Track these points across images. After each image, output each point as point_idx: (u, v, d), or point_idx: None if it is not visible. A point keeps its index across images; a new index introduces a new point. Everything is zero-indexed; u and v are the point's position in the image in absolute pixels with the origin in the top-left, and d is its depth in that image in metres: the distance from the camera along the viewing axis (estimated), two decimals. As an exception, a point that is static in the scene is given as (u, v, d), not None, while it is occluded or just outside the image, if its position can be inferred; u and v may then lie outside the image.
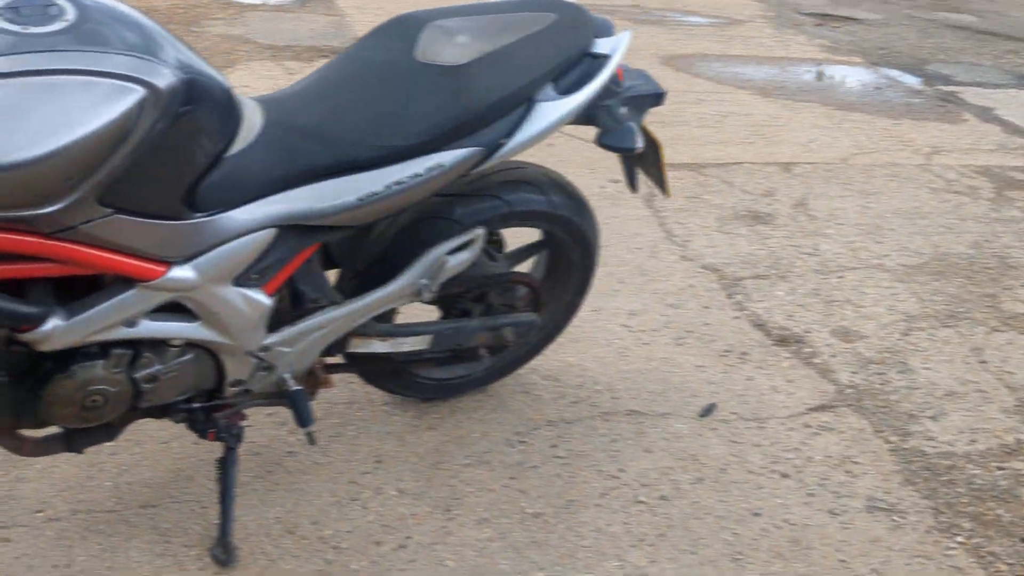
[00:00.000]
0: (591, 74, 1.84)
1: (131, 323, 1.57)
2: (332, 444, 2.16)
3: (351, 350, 1.94)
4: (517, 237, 2.22)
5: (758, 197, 3.73)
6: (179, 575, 1.79)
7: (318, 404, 2.27)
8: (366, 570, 1.84)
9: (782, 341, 2.70)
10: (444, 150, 1.71)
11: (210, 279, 1.60)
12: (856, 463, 2.22)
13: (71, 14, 1.35)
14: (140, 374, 1.64)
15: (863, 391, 2.49)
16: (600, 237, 2.21)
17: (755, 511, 2.05)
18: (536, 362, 2.48)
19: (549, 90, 1.80)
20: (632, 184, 2.22)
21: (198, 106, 1.45)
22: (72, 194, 1.35)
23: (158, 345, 1.65)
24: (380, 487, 2.05)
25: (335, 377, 2.14)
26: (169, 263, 1.55)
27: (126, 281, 1.54)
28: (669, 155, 4.02)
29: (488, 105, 1.72)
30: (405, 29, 1.78)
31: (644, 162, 2.14)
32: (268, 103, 1.67)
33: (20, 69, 1.28)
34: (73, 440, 1.78)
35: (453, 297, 2.08)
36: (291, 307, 1.80)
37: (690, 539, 1.96)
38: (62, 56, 1.31)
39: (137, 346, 1.63)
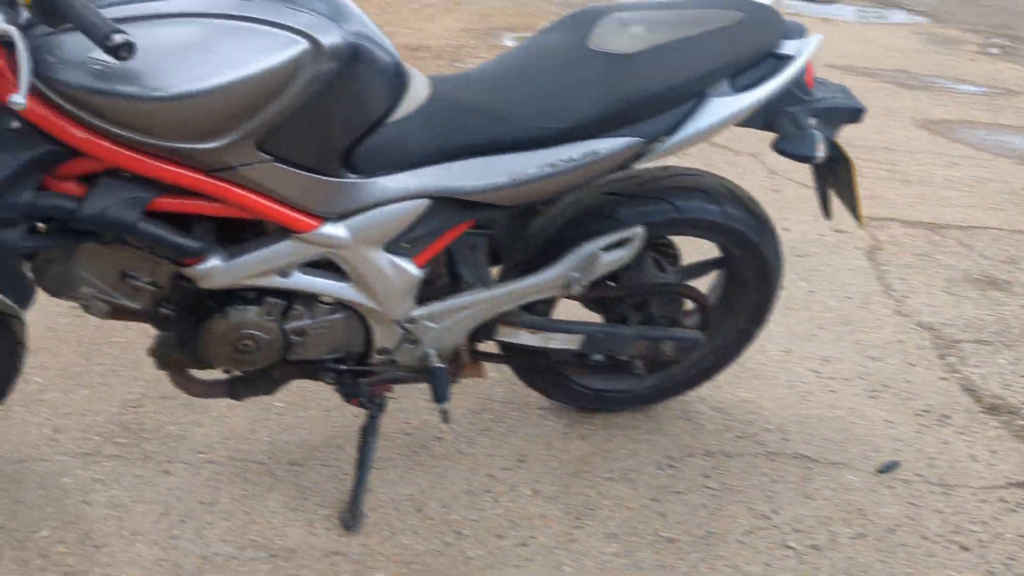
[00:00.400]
0: (772, 74, 1.73)
1: (285, 273, 1.65)
2: (479, 437, 2.15)
3: (499, 337, 1.92)
4: (695, 253, 2.13)
5: (998, 263, 3.36)
6: (305, 530, 1.84)
7: (474, 397, 2.28)
8: (482, 559, 1.81)
9: (993, 409, 2.40)
10: (601, 137, 1.67)
11: (361, 240, 1.65)
12: (1057, 551, 1.91)
13: None
14: (290, 325, 1.72)
15: (1084, 476, 2.16)
16: (783, 263, 2.07)
17: (920, 579, 1.81)
18: (704, 391, 2.36)
19: (724, 86, 1.72)
20: (825, 209, 2.08)
21: (360, 69, 1.51)
22: (232, 133, 1.44)
23: (309, 300, 1.72)
24: (516, 485, 2.01)
25: (489, 368, 2.14)
26: (323, 219, 1.61)
27: (283, 231, 1.62)
28: (908, 212, 3.76)
29: (652, 95, 1.66)
30: (584, 19, 1.77)
31: (837, 182, 1.99)
32: (438, 80, 1.71)
33: (208, 11, 1.40)
34: (235, 388, 1.88)
35: (612, 301, 2.02)
36: (441, 283, 1.82)
37: (836, 594, 1.77)
38: (247, 5, 1.41)
39: (290, 298, 1.71)
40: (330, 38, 1.45)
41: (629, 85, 1.66)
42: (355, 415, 2.17)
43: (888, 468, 2.13)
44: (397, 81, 1.59)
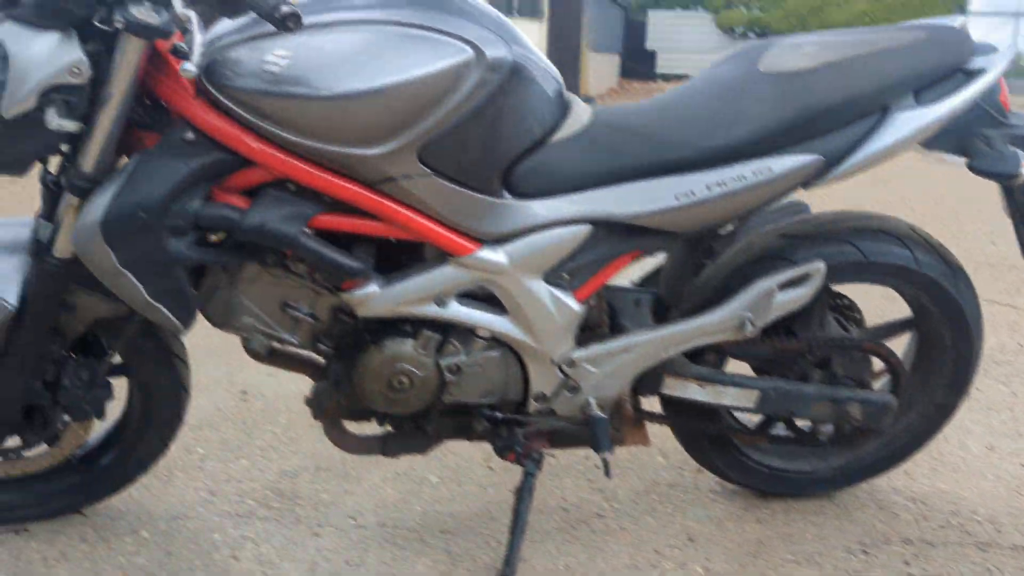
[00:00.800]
0: (961, 88, 1.61)
1: (442, 302, 1.60)
2: (644, 517, 1.98)
3: (665, 390, 1.79)
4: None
5: None
6: (454, 593, 1.70)
7: (639, 479, 2.12)
8: (647, 632, 1.61)
9: None
10: (775, 154, 1.58)
11: (520, 267, 1.59)
12: None
13: None
14: (446, 361, 1.65)
15: None
16: (982, 322, 1.86)
17: None
18: (896, 481, 2.12)
19: (909, 100, 1.61)
20: None
21: (522, 85, 1.50)
22: (394, 140, 1.44)
23: (466, 335, 1.66)
24: (685, 563, 1.81)
25: (655, 454, 2.00)
26: (481, 242, 1.57)
27: (440, 257, 1.58)
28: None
29: (830, 108, 1.57)
30: (754, 49, 1.71)
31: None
32: (600, 109, 1.68)
33: (380, 18, 1.43)
34: (388, 444, 1.82)
35: (792, 357, 1.85)
36: (601, 325, 1.72)
37: None
38: (421, 15, 1.45)
39: (446, 332, 1.65)
40: (495, 51, 1.46)
41: (805, 98, 1.57)
42: (510, 490, 2.05)
43: None
44: (559, 102, 1.58)
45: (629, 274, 1.97)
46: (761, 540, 1.89)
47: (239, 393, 2.59)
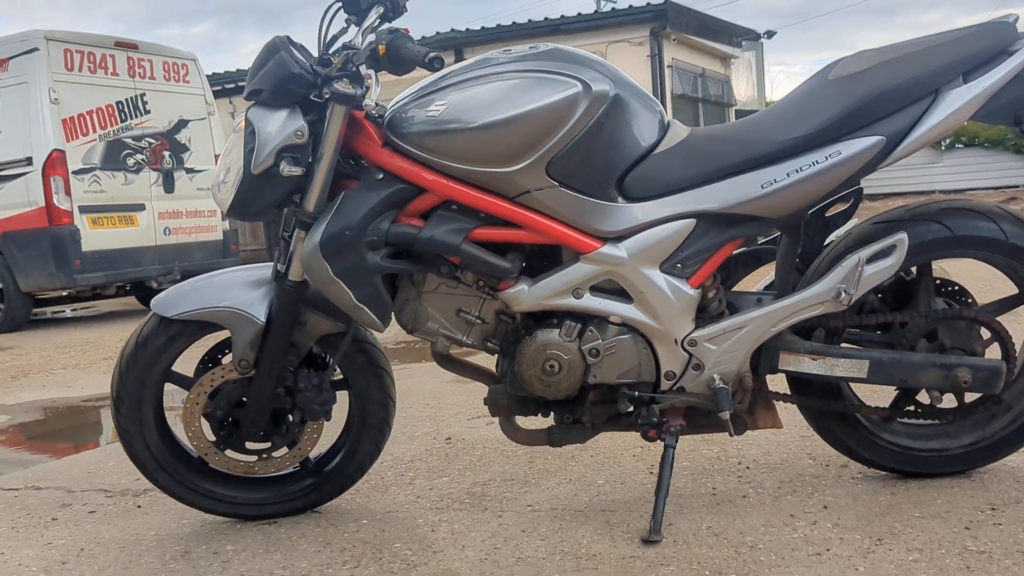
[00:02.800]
0: (1003, 65, 1.86)
1: (578, 294, 2.00)
2: (785, 496, 2.20)
3: (783, 367, 2.06)
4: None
5: None
6: (608, 544, 2.01)
7: (782, 470, 2.34)
8: (771, 562, 1.84)
9: None
10: (843, 140, 1.89)
11: (638, 259, 1.97)
12: None
13: (544, 49, 1.98)
14: (587, 346, 2.03)
15: None
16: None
17: None
18: (1039, 459, 2.21)
19: (958, 81, 1.88)
20: None
21: (624, 111, 1.93)
22: (525, 158, 1.90)
23: (601, 322, 2.03)
24: (816, 521, 2.03)
25: (794, 450, 2.23)
26: (603, 240, 1.97)
27: (573, 256, 1.99)
28: None
29: (883, 92, 1.87)
30: (829, 65, 2.04)
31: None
32: (697, 128, 2.07)
33: (514, 69, 1.93)
34: (553, 434, 2.19)
35: (899, 331, 2.07)
36: (716, 308, 2.04)
37: None
38: (534, 63, 1.93)
39: (584, 322, 2.04)
40: (600, 85, 1.90)
41: (864, 89, 1.89)
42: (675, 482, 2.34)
43: None
44: (659, 123, 1.99)
45: (752, 285, 2.30)
46: (892, 505, 2.07)
47: (444, 440, 3.03)
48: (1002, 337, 2.04)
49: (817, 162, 1.90)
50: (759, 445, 2.60)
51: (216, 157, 9.01)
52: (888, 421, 2.17)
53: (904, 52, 1.93)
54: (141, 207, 8.39)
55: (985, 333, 2.07)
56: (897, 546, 1.84)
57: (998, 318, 2.08)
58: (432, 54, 1.79)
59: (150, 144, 8.54)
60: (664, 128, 2.02)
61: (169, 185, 8.62)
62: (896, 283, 2.11)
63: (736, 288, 2.22)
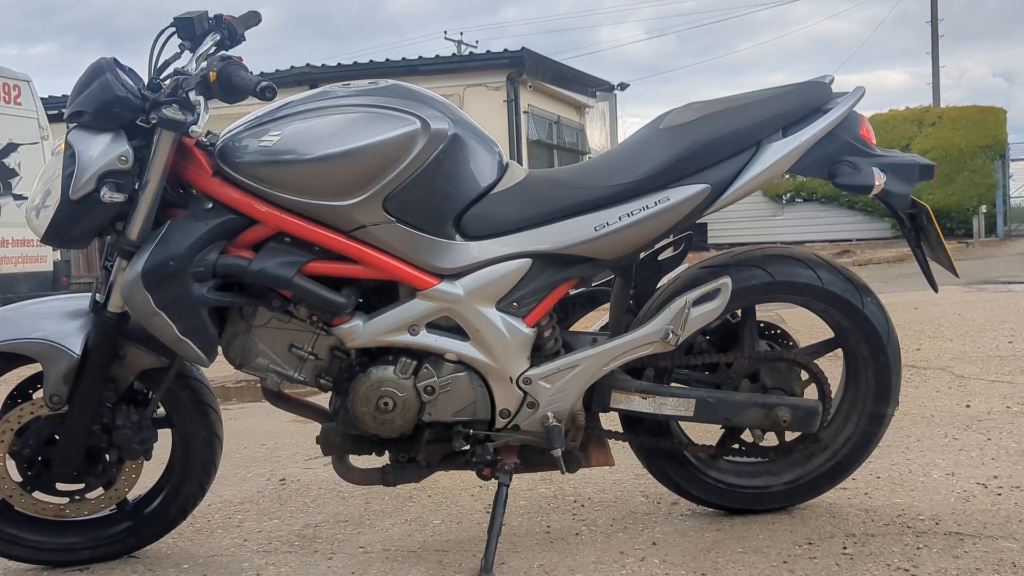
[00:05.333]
0: (818, 122, 1.98)
1: (414, 331, 1.98)
2: (617, 533, 2.23)
3: (614, 405, 2.09)
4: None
5: None
6: (439, 585, 1.97)
7: (616, 508, 2.38)
8: (600, 598, 1.85)
9: None
10: (671, 187, 1.96)
11: (474, 297, 1.97)
12: None
13: (384, 85, 1.97)
14: (422, 383, 2.00)
15: None
16: (891, 330, 2.14)
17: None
18: (855, 498, 2.34)
19: (777, 135, 1.99)
20: (930, 281, 2.18)
21: (462, 149, 1.94)
22: (361, 193, 1.87)
23: (437, 360, 2.02)
24: (645, 557, 2.05)
25: (628, 488, 2.26)
26: (440, 277, 1.96)
27: (410, 293, 1.97)
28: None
29: (709, 143, 1.95)
30: (661, 115, 2.12)
31: (927, 240, 2.11)
32: (535, 170, 2.10)
33: (352, 103, 1.90)
34: (387, 474, 2.15)
35: (724, 372, 2.14)
36: (551, 348, 2.06)
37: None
38: (374, 98, 1.92)
39: (420, 359, 2.01)
40: (438, 124, 1.91)
41: (691, 139, 1.96)
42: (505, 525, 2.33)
43: (1053, 536, 1.98)
44: (498, 163, 2.01)
45: (587, 325, 2.33)
46: (717, 541, 2.12)
47: (278, 481, 2.93)
48: (819, 379, 2.14)
49: (647, 207, 1.96)
50: (595, 483, 2.63)
51: (49, 183, 8.53)
52: (715, 459, 2.24)
53: (729, 105, 2.02)
54: (-37, 233, 7.85)
55: (804, 375, 2.17)
56: (719, 581, 1.89)
57: (816, 361, 2.19)
58: (264, 83, 1.75)
59: (-25, 167, 8.02)
60: (502, 168, 2.04)
61: (-6, 211, 8.10)
62: (722, 326, 2.19)
63: (573, 328, 2.26)
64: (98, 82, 1.87)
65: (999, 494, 2.32)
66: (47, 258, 8.61)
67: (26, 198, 8.21)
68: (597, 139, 17.38)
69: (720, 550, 2.06)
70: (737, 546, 2.08)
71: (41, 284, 8.52)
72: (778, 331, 2.26)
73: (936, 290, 2.19)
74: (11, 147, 8.33)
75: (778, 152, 1.97)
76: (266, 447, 3.44)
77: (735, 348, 2.18)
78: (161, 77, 1.95)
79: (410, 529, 2.35)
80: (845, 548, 2.02)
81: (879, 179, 1.96)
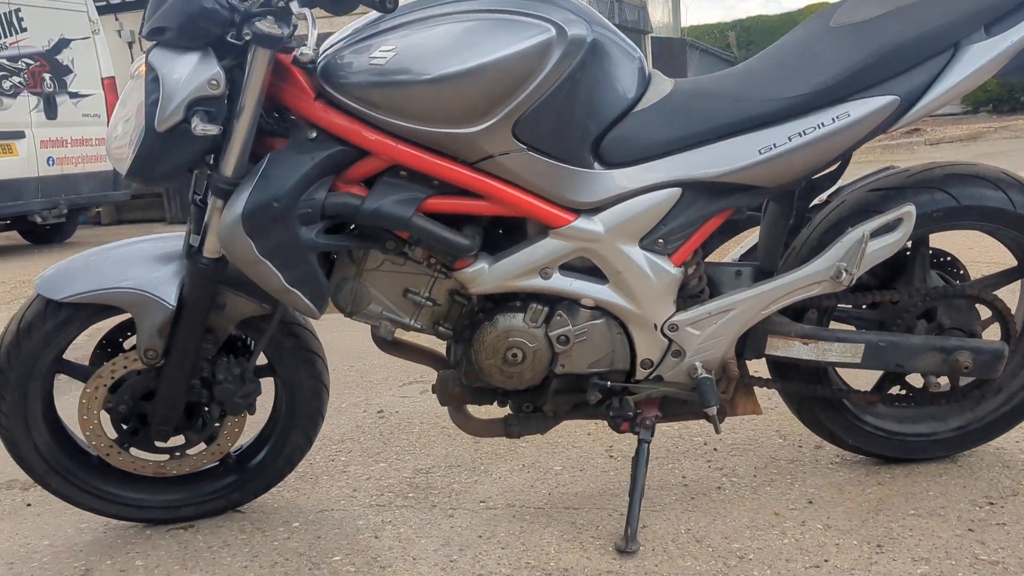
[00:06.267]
0: (1034, 15, 1.65)
1: (546, 274, 1.73)
2: (764, 487, 2.02)
3: (770, 351, 1.85)
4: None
5: None
6: (579, 554, 1.79)
7: (758, 455, 2.17)
8: (768, 577, 1.65)
9: None
10: (852, 99, 1.65)
11: (615, 235, 1.71)
12: None
13: None
14: (554, 332, 1.77)
15: None
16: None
17: None
18: (1020, 440, 2.08)
19: (980, 34, 1.66)
20: None
21: (603, 60, 1.65)
22: (489, 117, 1.60)
23: (571, 306, 1.78)
24: (805, 520, 1.84)
25: (772, 432, 2.04)
26: (577, 213, 1.70)
27: (541, 231, 1.72)
28: None
29: (898, 48, 1.64)
30: (826, 11, 1.80)
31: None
32: (681, 80, 1.80)
33: (473, 8, 1.61)
34: (510, 425, 1.94)
35: (894, 309, 1.88)
36: (700, 288, 1.81)
37: None
38: (508, 2, 1.62)
39: (552, 305, 1.78)
40: (576, 29, 1.61)
41: (876, 41, 1.65)
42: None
43: None
44: (640, 75, 1.71)
45: (730, 252, 2.07)
46: (882, 499, 1.90)
47: (376, 413, 2.76)
48: (1004, 317, 1.87)
49: (823, 124, 1.66)
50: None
51: (103, 81, 8.32)
52: (872, 404, 2.00)
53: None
54: (20, 135, 7.68)
55: (985, 312, 1.90)
56: (901, 555, 1.68)
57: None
58: None
59: (28, 65, 7.78)
60: (646, 80, 1.74)
61: (51, 111, 7.91)
62: (888, 255, 1.90)
63: (709, 259, 1.99)
64: None
65: None
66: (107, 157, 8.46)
67: (83, 96, 8.10)
68: (659, 16, 16.58)
69: (889, 512, 1.84)
70: (908, 507, 1.86)
71: (102, 184, 8.38)
72: (948, 258, 1.98)
73: None
74: (63, 43, 8.06)
75: (980, 56, 1.65)
76: (356, 370, 3.27)
77: (903, 281, 1.90)
78: None
79: (530, 478, 2.16)
80: (1036, 511, 1.79)
81: None
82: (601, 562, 1.75)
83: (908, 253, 1.91)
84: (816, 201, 1.95)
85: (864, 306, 1.93)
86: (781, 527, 1.82)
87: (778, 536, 1.79)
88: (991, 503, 1.84)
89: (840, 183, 1.90)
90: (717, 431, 1.80)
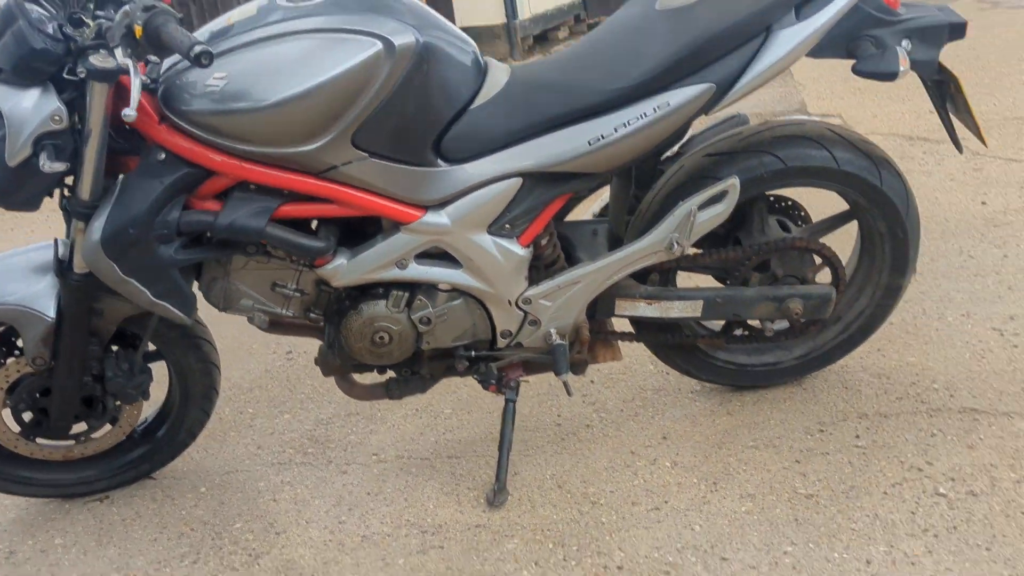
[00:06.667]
0: (837, -1, 1.73)
1: (402, 265, 1.85)
2: (628, 422, 2.21)
3: (619, 312, 2.00)
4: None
5: None
6: (454, 509, 1.99)
7: (627, 387, 2.35)
8: (613, 524, 1.86)
9: None
10: (671, 88, 1.74)
11: (463, 225, 1.81)
12: None
13: None
14: (417, 315, 1.90)
15: None
16: (911, 201, 1.99)
17: (1091, 515, 1.65)
18: (867, 359, 2.28)
19: (790, 17, 1.74)
20: (955, 142, 2.00)
21: (434, 64, 1.70)
22: (328, 133, 1.67)
23: (430, 290, 1.90)
24: (656, 459, 2.05)
25: (645, 361, 2.22)
26: (425, 208, 1.80)
27: (394, 226, 1.82)
28: None
29: (713, 37, 1.72)
30: None
31: (954, 107, 1.91)
32: (517, 68, 1.87)
33: (301, 29, 1.66)
34: (391, 388, 2.09)
35: (735, 266, 2.03)
36: (552, 262, 1.93)
37: (988, 535, 1.65)
38: (338, 19, 1.66)
39: (413, 290, 1.90)
40: (403, 39, 1.66)
41: (692, 31, 1.72)
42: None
43: (1069, 413, 1.95)
44: (475, 71, 1.77)
45: (589, 207, 2.19)
46: (728, 431, 2.11)
47: (285, 354, 2.90)
48: (832, 262, 2.02)
49: (645, 114, 1.75)
50: (602, 349, 2.59)
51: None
52: (720, 347, 2.18)
53: None
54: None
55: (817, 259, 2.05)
56: (731, 492, 1.89)
57: (833, 233, 2.07)
58: (199, 47, 1.48)
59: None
60: (482, 73, 1.81)
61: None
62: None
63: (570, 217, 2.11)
64: (11, 33, 1.61)
65: (1015, 345, 2.27)
66: None
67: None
68: None
69: (732, 445, 2.05)
70: (749, 438, 2.07)
71: None
72: (789, 203, 2.11)
73: (961, 151, 2.02)
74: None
75: (791, 39, 1.73)
76: (268, 303, 3.38)
77: (744, 230, 2.05)
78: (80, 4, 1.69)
79: (421, 425, 2.34)
80: (858, 437, 2.00)
81: (903, 62, 1.74)
82: (472, 515, 1.95)
83: (747, 205, 2.04)
84: (668, 153, 2.06)
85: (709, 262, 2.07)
86: (634, 467, 2.03)
87: (630, 477, 2.00)
88: (822, 430, 2.05)
89: (691, 132, 2.00)
90: (569, 394, 1.97)
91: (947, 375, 2.18)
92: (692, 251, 2.02)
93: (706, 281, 2.20)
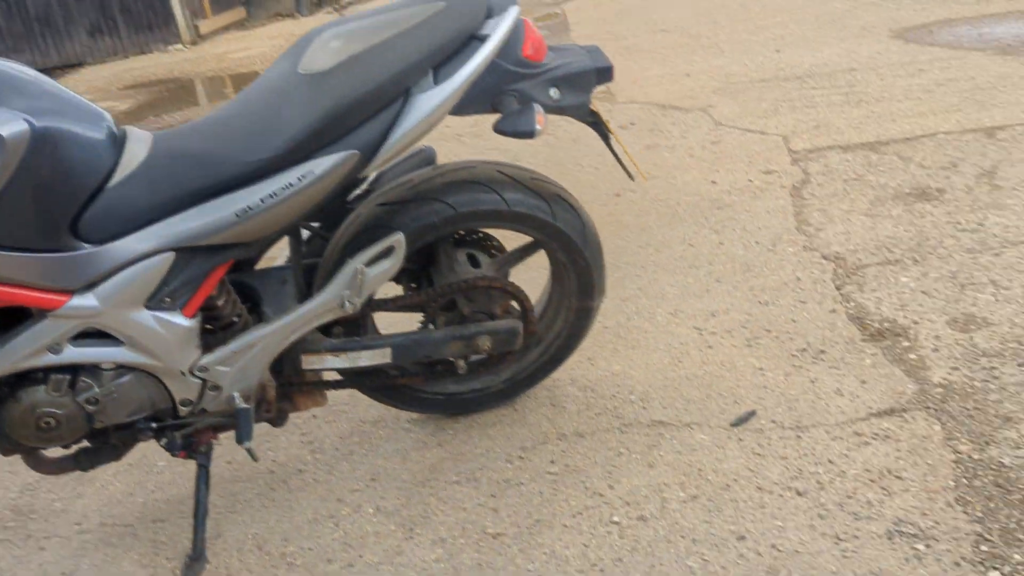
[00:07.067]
0: (472, 58, 1.72)
1: (56, 350, 1.73)
2: (340, 463, 2.20)
3: (306, 367, 1.96)
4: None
5: (935, 171, 3.20)
6: (149, 583, 1.92)
7: (347, 420, 2.33)
8: (305, 586, 1.85)
9: (876, 336, 2.29)
10: (314, 157, 1.69)
11: (116, 305, 1.71)
12: (899, 478, 1.81)
13: None
14: (82, 397, 1.80)
15: (954, 390, 2.03)
16: (589, 231, 2.03)
17: (741, 535, 1.75)
18: (575, 372, 2.34)
19: (428, 79, 1.72)
20: (626, 171, 2.05)
21: (53, 147, 1.58)
22: None
23: (93, 370, 1.80)
24: (360, 505, 2.04)
25: (331, 394, 2.19)
26: (70, 292, 1.69)
27: (40, 313, 1.70)
28: (850, 136, 3.61)
29: (351, 103, 1.67)
30: (302, 43, 1.79)
31: (615, 146, 1.96)
32: (160, 136, 1.77)
33: None
34: (80, 460, 1.99)
35: (419, 305, 2.02)
36: (236, 315, 1.87)
37: (647, 565, 1.73)
38: None
39: (75, 371, 1.79)
40: (11, 128, 1.52)
41: (332, 98, 1.67)
42: (228, 461, 2.26)
43: (743, 420, 2.07)
44: (108, 146, 1.66)
45: (281, 252, 2.12)
46: (434, 465, 2.12)
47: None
48: (516, 296, 2.04)
49: (291, 184, 1.70)
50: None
51: None
52: (420, 385, 2.18)
53: (372, 42, 1.71)
54: None
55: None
56: (425, 538, 1.91)
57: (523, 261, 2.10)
58: None
59: None
60: (118, 147, 1.69)
61: None
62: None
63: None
64: None
65: (710, 346, 2.38)
66: None
67: None
68: None
69: (435, 483, 2.06)
70: (452, 472, 2.09)
71: None
72: (480, 235, 2.12)
73: (633, 179, 2.07)
74: None
75: (429, 102, 1.71)
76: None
77: (437, 274, 2.04)
78: None
79: (131, 483, 2.25)
80: (552, 463, 2.06)
81: (540, 120, 1.75)
82: (166, 591, 1.89)
83: (435, 247, 2.03)
84: (356, 192, 2.02)
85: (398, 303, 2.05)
86: (337, 517, 2.02)
87: (331, 530, 1.98)
88: (522, 456, 2.10)
89: (381, 169, 1.96)
90: (254, 459, 1.93)
91: (645, 384, 2.27)
92: (397, 290, 2.01)
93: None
